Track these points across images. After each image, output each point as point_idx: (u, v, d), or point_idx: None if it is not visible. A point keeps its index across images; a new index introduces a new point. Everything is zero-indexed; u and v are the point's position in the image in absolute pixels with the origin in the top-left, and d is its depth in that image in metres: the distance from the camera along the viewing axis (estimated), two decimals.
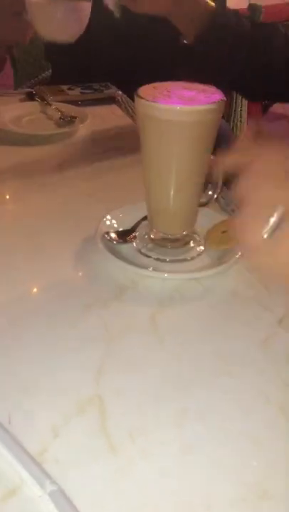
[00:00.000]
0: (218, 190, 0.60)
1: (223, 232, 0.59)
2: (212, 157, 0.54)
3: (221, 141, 0.56)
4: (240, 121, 1.52)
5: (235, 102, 1.49)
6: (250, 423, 0.39)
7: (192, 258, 0.57)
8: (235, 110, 1.49)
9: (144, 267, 0.54)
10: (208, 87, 0.52)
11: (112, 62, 1.15)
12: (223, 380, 0.43)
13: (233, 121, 1.51)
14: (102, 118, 1.02)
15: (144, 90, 0.51)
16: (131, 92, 1.14)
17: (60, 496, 0.33)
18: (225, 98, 0.50)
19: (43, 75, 1.64)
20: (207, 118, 0.49)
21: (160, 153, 0.52)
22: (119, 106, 1.10)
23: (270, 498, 0.34)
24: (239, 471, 0.36)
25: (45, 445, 0.37)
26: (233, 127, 1.49)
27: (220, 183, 0.59)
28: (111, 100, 1.11)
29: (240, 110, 1.49)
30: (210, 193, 0.60)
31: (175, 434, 0.38)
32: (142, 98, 0.49)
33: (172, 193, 0.54)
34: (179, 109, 0.48)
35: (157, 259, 0.56)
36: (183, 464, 0.36)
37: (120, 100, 1.11)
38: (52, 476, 0.34)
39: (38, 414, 0.39)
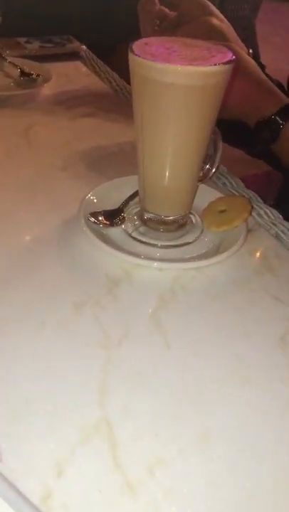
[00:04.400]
0: (216, 165, 0.53)
1: (221, 211, 0.53)
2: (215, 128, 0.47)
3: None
4: None
5: None
6: (283, 447, 0.34)
7: (191, 242, 0.51)
8: None
9: (139, 255, 0.48)
10: (213, 44, 0.45)
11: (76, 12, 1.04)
12: (244, 391, 0.37)
13: None
14: (66, 76, 0.91)
15: (138, 47, 0.43)
16: (95, 47, 1.04)
17: None
18: (235, 57, 0.42)
19: None
20: (214, 81, 0.42)
21: (158, 121, 0.44)
22: (84, 62, 0.99)
23: None
24: (278, 505, 0.31)
25: (48, 487, 0.31)
26: None
27: (218, 156, 0.53)
28: (74, 55, 1.00)
29: None
30: (207, 167, 0.53)
31: (199, 464, 0.33)
32: (139, 56, 0.41)
33: (169, 168, 0.47)
34: (182, 70, 0.40)
35: (151, 245, 0.50)
36: (212, 502, 0.31)
37: (85, 56, 1.00)
38: None
39: (36, 448, 0.33)
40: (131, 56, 0.42)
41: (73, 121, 0.75)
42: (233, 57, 0.42)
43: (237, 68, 0.61)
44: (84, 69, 0.97)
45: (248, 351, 0.41)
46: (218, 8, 0.73)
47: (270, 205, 0.59)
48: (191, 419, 0.35)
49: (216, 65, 0.41)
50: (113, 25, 1.25)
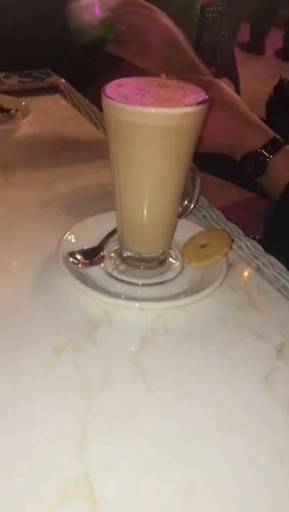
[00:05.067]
0: (195, 200, 0.53)
1: (202, 246, 0.53)
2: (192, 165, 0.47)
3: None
4: None
5: None
6: (271, 495, 0.33)
7: (172, 279, 0.50)
8: None
9: (118, 295, 0.47)
10: (186, 83, 0.45)
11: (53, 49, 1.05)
12: (229, 438, 0.36)
13: None
14: (45, 110, 0.91)
15: (111, 89, 0.43)
16: (74, 80, 1.04)
17: None
18: (208, 96, 0.42)
19: None
20: (189, 122, 0.42)
21: (133, 161, 0.44)
22: (63, 96, 1.00)
23: None
24: None
25: None
26: None
27: (196, 192, 0.52)
28: (54, 89, 1.00)
29: None
30: (186, 202, 0.53)
31: None
32: (112, 99, 0.41)
33: (147, 206, 0.47)
34: (155, 112, 0.40)
35: (131, 284, 0.49)
36: None
37: (64, 89, 1.01)
38: None
39: (13, 508, 0.31)
40: (104, 98, 0.42)
41: (52, 156, 0.75)
42: (206, 96, 0.42)
43: (222, 103, 0.61)
44: (63, 102, 0.97)
45: (231, 393, 0.40)
46: (197, 34, 0.74)
47: (257, 239, 0.59)
48: (174, 471, 0.34)
49: (189, 106, 0.41)
50: (91, 57, 1.27)
